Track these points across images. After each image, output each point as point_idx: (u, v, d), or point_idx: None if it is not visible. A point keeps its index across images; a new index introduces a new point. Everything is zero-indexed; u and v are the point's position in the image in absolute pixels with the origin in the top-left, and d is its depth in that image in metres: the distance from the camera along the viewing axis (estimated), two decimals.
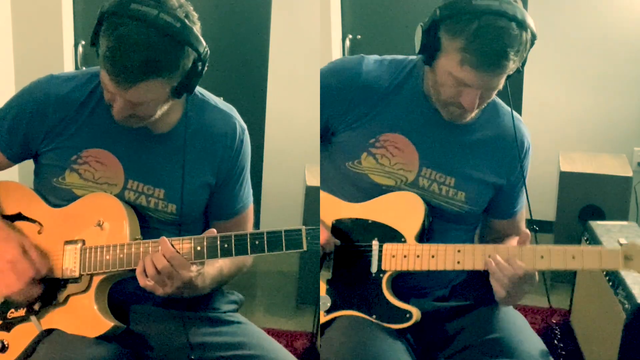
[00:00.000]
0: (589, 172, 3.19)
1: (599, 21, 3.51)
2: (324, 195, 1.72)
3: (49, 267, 1.58)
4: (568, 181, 3.21)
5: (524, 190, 1.77)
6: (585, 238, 2.61)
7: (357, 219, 1.68)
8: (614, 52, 3.50)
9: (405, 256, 1.61)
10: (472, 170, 1.69)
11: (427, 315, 1.64)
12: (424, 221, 1.63)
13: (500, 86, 1.58)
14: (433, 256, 1.59)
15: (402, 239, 1.63)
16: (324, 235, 1.61)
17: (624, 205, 3.17)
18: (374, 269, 1.63)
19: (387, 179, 1.67)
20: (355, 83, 1.68)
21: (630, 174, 3.17)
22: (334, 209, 1.70)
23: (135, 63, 1.42)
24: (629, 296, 2.12)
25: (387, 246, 1.63)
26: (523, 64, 1.58)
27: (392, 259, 1.62)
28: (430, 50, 1.56)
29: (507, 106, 1.74)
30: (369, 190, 1.68)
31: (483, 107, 1.63)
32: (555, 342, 1.54)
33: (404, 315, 1.59)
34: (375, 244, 1.64)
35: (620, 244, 2.40)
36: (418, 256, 1.60)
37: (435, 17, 1.54)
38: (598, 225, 2.59)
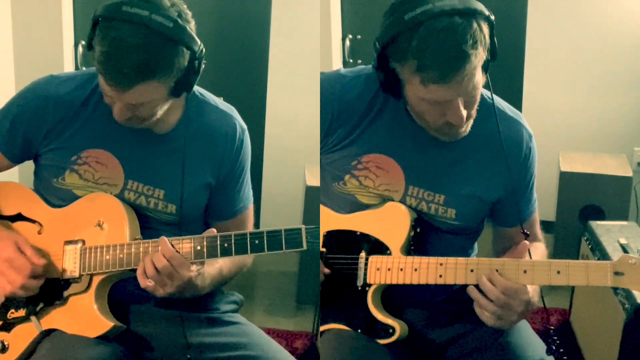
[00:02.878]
0: (589, 172, 3.19)
1: (599, 21, 3.50)
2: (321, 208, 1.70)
3: (46, 262, 1.58)
4: (568, 181, 3.21)
5: (532, 194, 1.69)
6: (586, 238, 2.60)
7: (346, 230, 1.65)
8: (614, 52, 3.50)
9: (389, 269, 1.57)
10: (462, 186, 1.60)
11: (425, 321, 1.63)
12: (409, 232, 1.59)
13: (479, 83, 1.43)
14: (416, 269, 1.54)
15: (388, 251, 1.59)
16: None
17: (624, 205, 3.17)
18: (359, 282, 1.60)
19: (373, 199, 1.63)
20: (332, 109, 1.61)
21: (630, 174, 3.17)
22: (326, 220, 1.67)
23: (130, 66, 1.41)
24: (629, 296, 2.11)
25: (372, 259, 1.59)
26: (493, 54, 1.43)
27: (376, 272, 1.58)
28: (393, 85, 1.46)
29: (503, 104, 1.65)
30: (357, 210, 1.64)
31: (474, 111, 1.50)
32: (554, 348, 1.52)
33: (387, 330, 1.57)
34: (362, 256, 1.61)
35: (621, 244, 2.40)
36: (401, 269, 1.55)
37: (377, 49, 1.42)
38: (598, 225, 2.58)
